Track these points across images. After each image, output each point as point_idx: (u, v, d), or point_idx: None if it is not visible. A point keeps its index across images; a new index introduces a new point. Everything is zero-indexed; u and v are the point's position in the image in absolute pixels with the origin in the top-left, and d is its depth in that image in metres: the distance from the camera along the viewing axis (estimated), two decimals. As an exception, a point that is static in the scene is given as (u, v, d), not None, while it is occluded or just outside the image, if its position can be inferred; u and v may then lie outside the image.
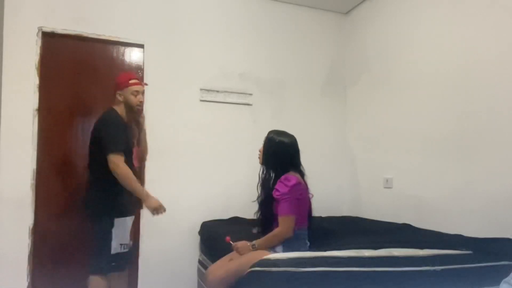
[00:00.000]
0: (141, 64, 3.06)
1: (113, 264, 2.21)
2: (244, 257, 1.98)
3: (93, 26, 2.91)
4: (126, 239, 2.27)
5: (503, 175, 2.16)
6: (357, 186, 3.49)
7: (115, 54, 3.01)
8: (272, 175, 2.15)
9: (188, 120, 3.14)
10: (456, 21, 2.52)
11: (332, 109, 3.67)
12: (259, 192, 2.19)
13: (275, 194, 2.03)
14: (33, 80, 2.75)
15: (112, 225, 2.18)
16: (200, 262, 2.90)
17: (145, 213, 2.96)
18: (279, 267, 1.63)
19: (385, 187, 3.10)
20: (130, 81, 2.32)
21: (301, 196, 2.03)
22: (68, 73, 2.88)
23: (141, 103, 2.37)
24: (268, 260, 1.69)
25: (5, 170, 2.66)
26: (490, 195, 2.22)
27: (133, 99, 2.32)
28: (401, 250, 1.83)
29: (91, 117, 2.92)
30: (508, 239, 1.99)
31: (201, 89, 3.21)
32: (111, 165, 2.12)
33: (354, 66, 3.62)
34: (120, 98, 2.31)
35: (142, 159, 2.61)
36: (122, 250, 2.23)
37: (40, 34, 2.77)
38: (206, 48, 3.24)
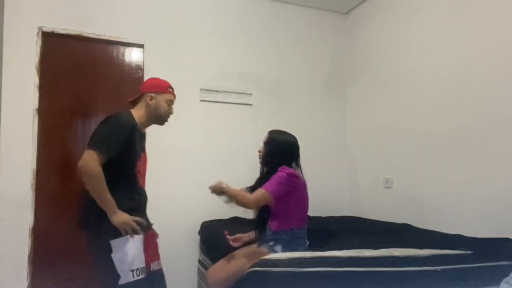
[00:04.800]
0: (141, 64, 3.06)
1: None
2: (244, 257, 1.98)
3: (93, 26, 2.91)
4: (138, 262, 1.80)
5: (503, 175, 2.16)
6: (357, 186, 3.49)
7: (115, 54, 3.01)
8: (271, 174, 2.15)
9: (188, 120, 3.14)
10: (456, 21, 2.52)
11: (332, 109, 3.68)
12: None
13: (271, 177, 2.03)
14: (33, 80, 2.75)
15: (109, 249, 1.74)
16: (200, 262, 2.90)
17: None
18: (279, 267, 1.63)
19: (385, 187, 3.10)
20: (169, 89, 2.09)
21: (293, 189, 2.01)
22: (68, 73, 2.88)
23: (170, 115, 2.12)
24: (268, 260, 1.69)
25: (5, 170, 2.66)
26: (490, 195, 2.22)
27: (166, 108, 2.05)
28: (401, 250, 1.83)
29: (91, 117, 2.93)
30: (508, 239, 1.99)
31: (201, 89, 3.21)
32: (81, 161, 1.72)
33: (354, 66, 3.62)
34: (150, 102, 2.01)
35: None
36: (136, 278, 1.77)
37: (40, 34, 2.78)
38: (206, 48, 3.25)
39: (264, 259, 1.70)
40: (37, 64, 2.76)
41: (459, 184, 2.42)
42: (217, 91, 3.26)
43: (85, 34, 2.89)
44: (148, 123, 2.07)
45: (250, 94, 3.36)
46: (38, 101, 2.76)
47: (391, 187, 3.04)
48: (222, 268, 2.05)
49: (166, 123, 2.14)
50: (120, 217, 1.76)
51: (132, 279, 1.75)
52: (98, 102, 2.95)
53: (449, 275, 1.75)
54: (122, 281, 1.72)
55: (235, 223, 2.89)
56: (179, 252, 3.03)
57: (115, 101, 2.96)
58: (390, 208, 3.02)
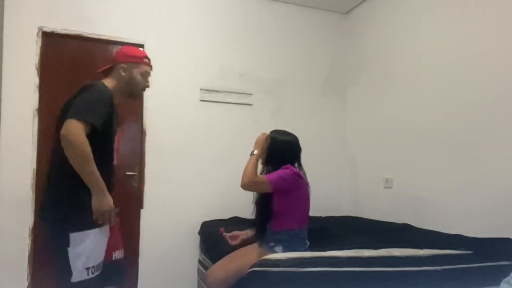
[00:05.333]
0: (141, 64, 3.06)
1: None
2: (244, 257, 1.98)
3: (93, 26, 2.91)
4: (95, 259, 1.63)
5: (503, 175, 2.16)
6: (357, 186, 3.49)
7: (115, 54, 3.01)
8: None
9: (188, 120, 3.14)
10: (455, 21, 2.52)
11: (332, 109, 3.68)
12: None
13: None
14: (33, 80, 2.75)
15: (67, 242, 1.56)
16: (200, 262, 2.90)
17: (144, 212, 2.97)
18: (279, 267, 1.63)
19: (385, 187, 3.10)
20: (145, 59, 1.91)
21: (296, 188, 2.01)
22: (68, 73, 2.88)
23: (147, 88, 1.97)
24: (268, 260, 1.69)
25: (5, 170, 2.67)
26: (490, 195, 2.22)
27: (141, 81, 1.88)
28: (401, 250, 1.83)
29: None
30: (508, 239, 1.99)
31: (201, 89, 3.21)
32: (63, 130, 1.51)
33: (354, 66, 3.62)
34: (122, 73, 1.83)
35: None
36: (90, 276, 1.60)
37: (40, 34, 2.78)
38: (206, 48, 3.25)
39: (264, 259, 1.70)
40: (37, 64, 2.76)
41: (459, 184, 2.42)
42: (217, 91, 3.26)
43: (85, 34, 2.89)
44: (120, 96, 1.87)
45: (250, 94, 3.36)
46: (38, 101, 2.76)
47: (391, 187, 3.04)
48: (222, 268, 2.05)
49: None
50: (109, 201, 1.61)
51: (87, 277, 1.59)
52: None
53: (449, 275, 1.75)
54: (74, 278, 1.56)
55: (235, 223, 2.88)
56: (179, 252, 3.04)
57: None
58: (390, 208, 3.02)
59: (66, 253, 1.55)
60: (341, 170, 3.64)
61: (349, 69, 3.68)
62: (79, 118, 1.54)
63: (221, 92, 3.27)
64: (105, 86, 1.75)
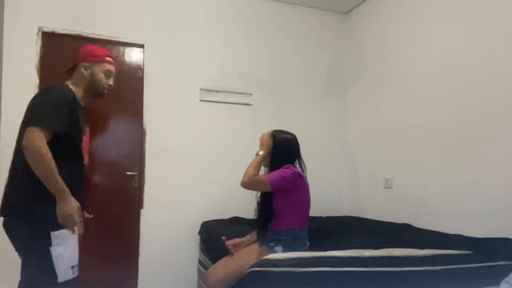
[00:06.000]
0: (141, 64, 3.06)
1: None
2: (244, 257, 1.98)
3: (93, 26, 2.91)
4: (76, 258, 1.62)
5: (503, 174, 2.16)
6: (357, 186, 3.49)
7: (115, 54, 3.01)
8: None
9: (188, 120, 3.14)
10: (455, 21, 2.52)
11: (332, 108, 3.68)
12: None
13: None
14: (33, 80, 2.75)
15: (49, 241, 1.52)
16: (200, 262, 2.90)
17: (144, 212, 2.97)
18: (279, 267, 1.63)
19: (385, 187, 3.10)
20: (107, 58, 1.88)
21: (296, 188, 2.01)
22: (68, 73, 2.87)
23: (109, 88, 1.92)
24: (268, 260, 1.69)
25: (5, 171, 2.65)
26: (490, 195, 2.22)
27: (104, 80, 1.85)
28: (401, 250, 1.83)
29: (90, 116, 2.93)
30: (508, 239, 1.99)
31: (201, 89, 3.21)
32: (25, 140, 1.52)
33: (354, 66, 3.62)
34: (84, 72, 1.80)
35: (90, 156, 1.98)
36: (75, 275, 1.58)
37: (40, 34, 2.78)
38: (206, 48, 3.25)
39: (264, 259, 1.70)
40: (37, 64, 2.76)
41: (459, 184, 2.42)
42: (217, 91, 3.26)
43: (85, 34, 2.89)
44: (86, 96, 1.84)
45: (250, 94, 3.36)
46: (38, 101, 2.76)
47: (391, 187, 3.04)
48: (222, 268, 2.05)
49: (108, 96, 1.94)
50: (72, 207, 1.57)
51: (73, 276, 1.57)
52: (98, 102, 2.93)
53: (449, 275, 1.75)
54: (61, 278, 1.52)
55: (235, 223, 2.89)
56: (179, 252, 3.04)
57: (115, 101, 2.96)
58: (390, 208, 3.02)
59: (48, 253, 1.52)
60: (341, 170, 3.64)
61: (349, 69, 3.68)
62: (39, 125, 1.53)
63: (221, 92, 3.27)
64: (66, 87, 1.72)
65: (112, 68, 1.90)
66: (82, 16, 2.89)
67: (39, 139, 1.52)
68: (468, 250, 1.88)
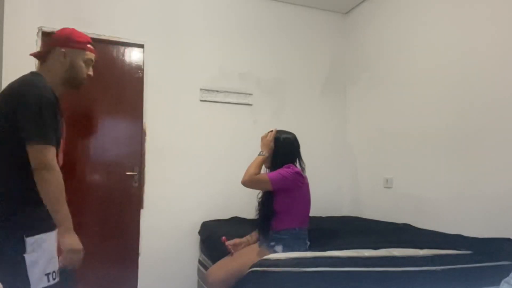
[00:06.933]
0: (141, 64, 3.06)
1: None
2: (244, 257, 1.98)
3: (93, 26, 2.91)
4: (54, 264, 1.46)
5: (503, 175, 2.16)
6: (357, 186, 3.49)
7: (115, 54, 3.01)
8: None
9: (188, 120, 3.14)
10: (455, 21, 2.52)
11: (332, 108, 3.68)
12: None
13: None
14: (33, 80, 2.74)
15: (23, 248, 1.38)
16: (200, 262, 2.90)
17: (145, 212, 2.97)
18: (279, 267, 1.63)
19: (385, 187, 3.10)
20: (89, 45, 1.69)
21: (297, 187, 2.02)
22: (68, 73, 2.87)
23: (88, 77, 1.72)
24: (268, 260, 1.69)
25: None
26: (490, 195, 2.22)
27: (83, 69, 1.66)
28: (401, 250, 1.83)
29: (91, 117, 2.93)
30: (508, 239, 1.99)
31: (201, 89, 3.21)
32: (40, 161, 1.37)
33: (354, 66, 3.62)
34: (63, 60, 1.60)
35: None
36: (52, 282, 1.44)
37: (40, 34, 2.77)
38: (206, 48, 3.24)
39: (264, 259, 1.70)
40: (37, 64, 2.76)
41: (459, 184, 2.42)
42: (217, 91, 3.26)
43: (85, 34, 2.88)
44: (60, 88, 1.62)
45: (250, 94, 3.36)
46: (38, 101, 2.75)
47: (391, 187, 3.04)
48: (222, 268, 2.05)
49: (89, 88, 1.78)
50: (78, 242, 1.45)
51: (47, 284, 1.42)
52: (98, 102, 2.95)
53: (449, 275, 1.75)
54: (35, 286, 1.39)
55: (235, 223, 2.89)
56: (179, 252, 3.04)
57: (115, 101, 2.96)
58: (390, 208, 3.02)
59: (22, 260, 1.37)
60: (341, 170, 3.64)
61: (349, 69, 3.68)
62: (46, 143, 1.40)
63: (221, 92, 3.27)
64: (45, 85, 1.50)
65: (92, 56, 1.70)
66: (82, 16, 2.89)
67: (55, 163, 1.41)
68: (468, 250, 1.88)
